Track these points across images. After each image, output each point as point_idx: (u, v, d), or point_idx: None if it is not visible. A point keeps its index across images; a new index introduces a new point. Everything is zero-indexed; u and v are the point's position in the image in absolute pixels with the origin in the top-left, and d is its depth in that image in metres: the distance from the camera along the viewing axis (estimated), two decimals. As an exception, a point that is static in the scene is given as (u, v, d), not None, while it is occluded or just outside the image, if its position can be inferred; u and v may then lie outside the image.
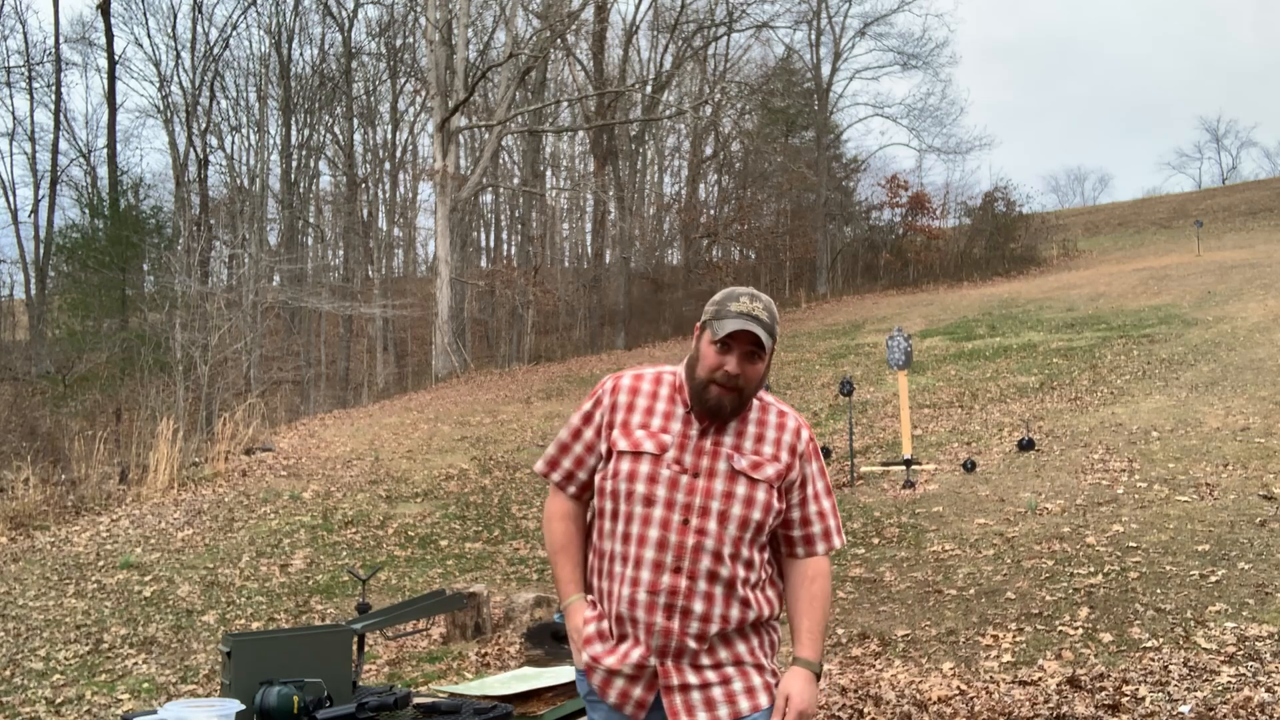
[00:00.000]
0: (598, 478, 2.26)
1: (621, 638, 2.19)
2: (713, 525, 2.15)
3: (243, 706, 2.28)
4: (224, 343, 18.84)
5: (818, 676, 2.24)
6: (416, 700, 2.76)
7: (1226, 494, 8.26)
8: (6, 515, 10.56)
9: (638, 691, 2.17)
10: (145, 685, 6.24)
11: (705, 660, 2.17)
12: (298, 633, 2.74)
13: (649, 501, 2.16)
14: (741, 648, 2.20)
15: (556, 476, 2.34)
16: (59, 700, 6.02)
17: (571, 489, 2.33)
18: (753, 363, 2.17)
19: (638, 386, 2.27)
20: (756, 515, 2.17)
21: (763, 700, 2.20)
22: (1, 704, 5.96)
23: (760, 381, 2.21)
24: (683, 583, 2.14)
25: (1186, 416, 10.84)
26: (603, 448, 2.26)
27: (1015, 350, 16.58)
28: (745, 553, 2.18)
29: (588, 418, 2.30)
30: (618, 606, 2.18)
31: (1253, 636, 5.38)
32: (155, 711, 2.26)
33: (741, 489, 2.17)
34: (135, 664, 6.72)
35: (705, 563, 2.14)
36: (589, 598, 2.30)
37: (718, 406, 2.17)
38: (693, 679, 2.16)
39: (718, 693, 2.17)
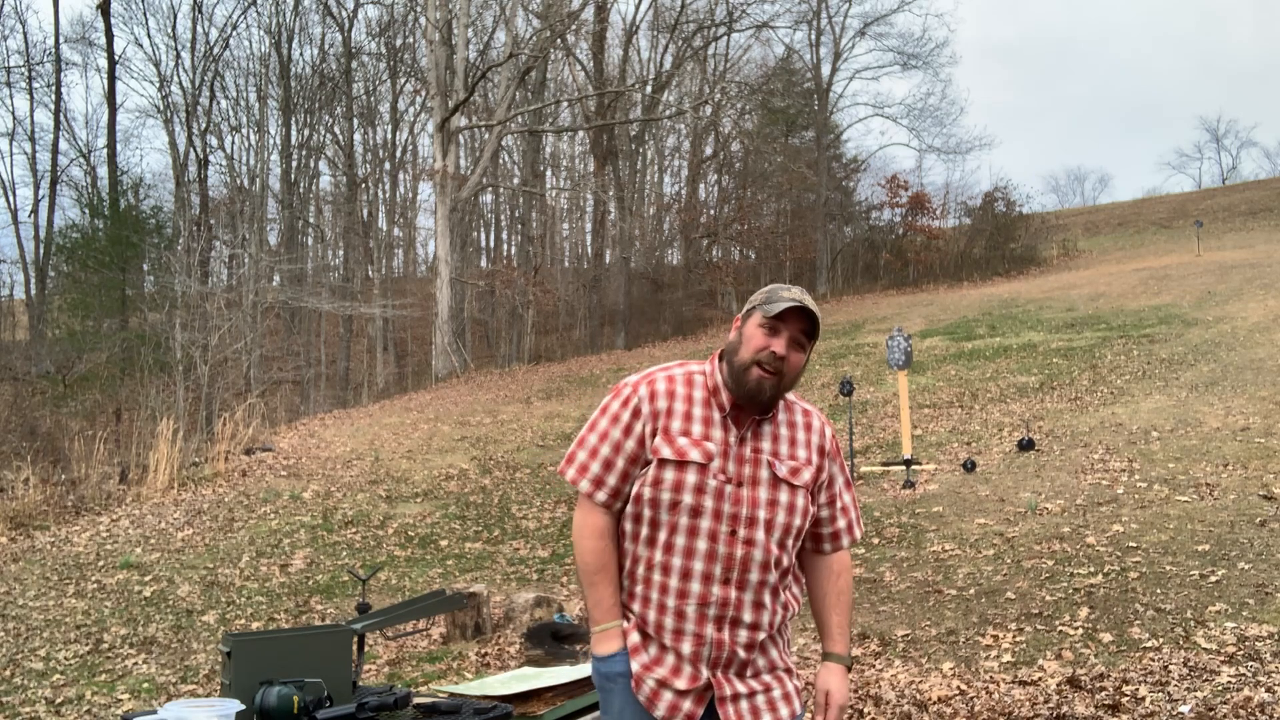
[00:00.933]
0: (636, 484, 2.20)
1: (661, 647, 2.17)
2: (760, 535, 2.15)
3: (243, 706, 2.28)
4: (224, 343, 18.85)
5: (849, 669, 2.30)
6: (416, 700, 2.76)
7: (1226, 494, 8.26)
8: (6, 515, 10.56)
9: (687, 705, 2.16)
10: (145, 685, 6.24)
11: (750, 671, 2.19)
12: (298, 633, 2.74)
13: (696, 513, 2.14)
14: (774, 653, 2.23)
15: (602, 496, 2.22)
16: (59, 700, 6.02)
17: (617, 505, 2.24)
18: (796, 351, 2.17)
19: (673, 389, 2.21)
20: (798, 521, 2.20)
21: (796, 705, 2.24)
22: (1, 704, 5.96)
23: (797, 376, 2.21)
24: (733, 594, 2.14)
25: (1186, 416, 10.84)
26: (646, 456, 2.19)
27: (1015, 350, 16.58)
28: (786, 559, 2.20)
29: (628, 429, 2.20)
30: (661, 616, 2.17)
31: (1253, 636, 5.38)
32: (155, 711, 2.26)
33: (784, 496, 2.18)
34: (135, 664, 6.72)
35: (754, 573, 2.15)
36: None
37: (757, 390, 2.14)
38: (742, 688, 2.18)
39: (761, 700, 2.19)
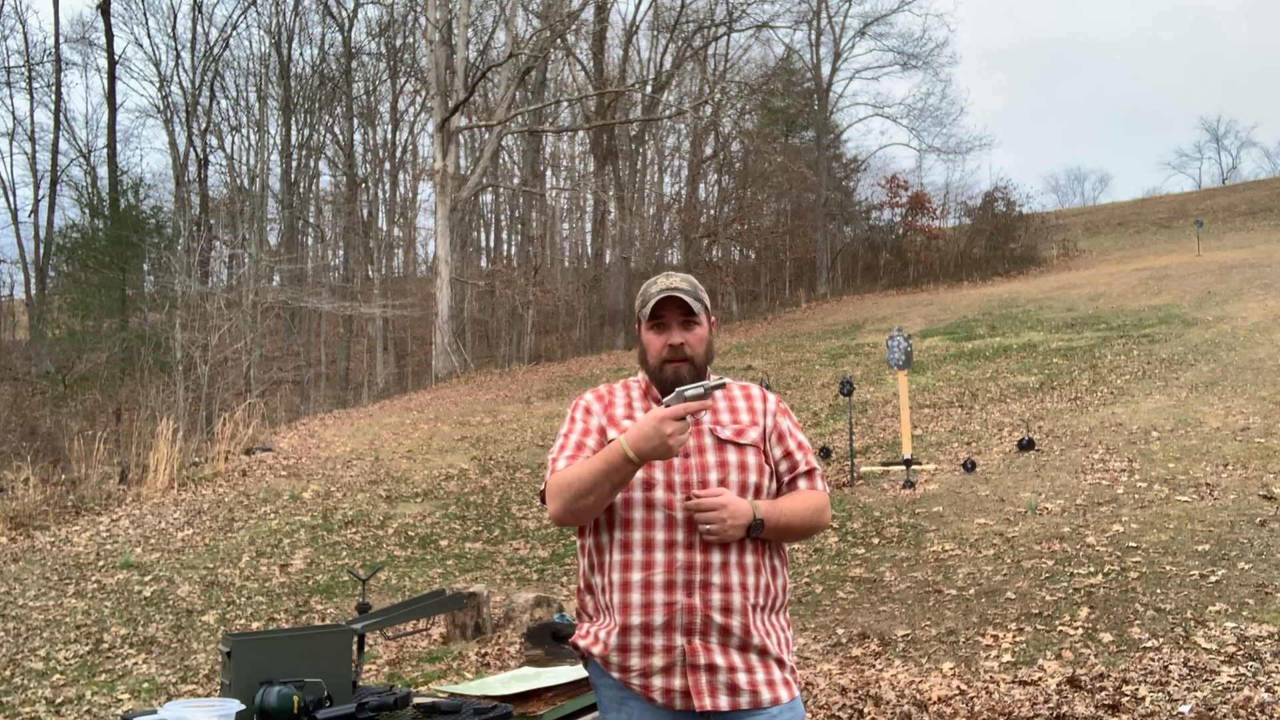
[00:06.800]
0: None
1: (642, 632, 2.17)
2: None
3: (243, 706, 2.28)
4: (224, 343, 18.85)
5: (756, 520, 2.16)
6: (416, 700, 2.76)
7: (1226, 494, 8.26)
8: (6, 515, 10.56)
9: (678, 681, 2.16)
10: (145, 685, 6.24)
11: (735, 642, 2.17)
12: (298, 633, 2.74)
13: (649, 485, 2.19)
14: (771, 640, 2.21)
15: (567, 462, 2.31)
16: (59, 700, 6.02)
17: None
18: (691, 330, 2.27)
19: (611, 393, 2.37)
20: (753, 478, 2.23)
21: (783, 694, 2.20)
22: (1, 704, 5.96)
23: (708, 349, 2.30)
24: (698, 557, 2.16)
25: (1186, 416, 10.84)
26: (603, 443, 2.28)
27: (1015, 350, 16.58)
28: None
29: (585, 423, 2.31)
30: (626, 594, 2.18)
31: (1253, 636, 5.39)
32: (155, 711, 2.26)
33: (733, 456, 2.23)
34: (135, 664, 6.72)
35: None
36: (589, 597, 2.30)
37: (676, 379, 2.24)
38: (720, 660, 2.16)
39: (742, 679, 2.17)
